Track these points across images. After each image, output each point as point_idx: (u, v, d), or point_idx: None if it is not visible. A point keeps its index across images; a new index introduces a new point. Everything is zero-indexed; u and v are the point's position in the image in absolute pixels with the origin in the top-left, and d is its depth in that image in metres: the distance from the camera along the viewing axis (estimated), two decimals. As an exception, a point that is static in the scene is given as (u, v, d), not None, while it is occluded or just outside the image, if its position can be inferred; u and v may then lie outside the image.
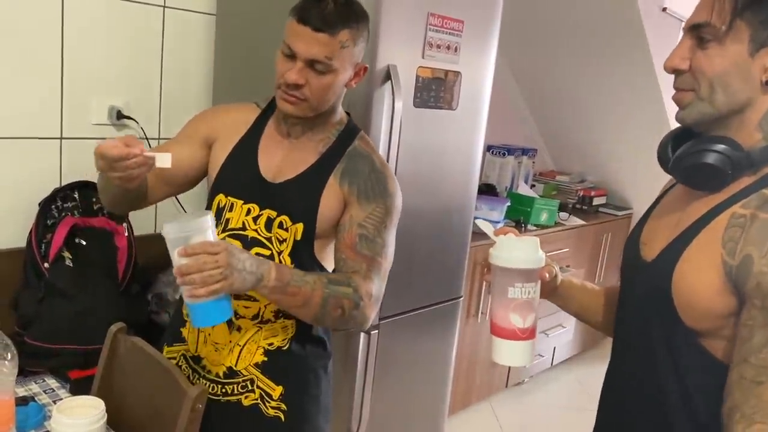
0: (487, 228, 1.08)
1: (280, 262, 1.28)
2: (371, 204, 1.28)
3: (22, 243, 1.82)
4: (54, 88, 1.88)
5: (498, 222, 2.99)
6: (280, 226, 1.29)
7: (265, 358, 1.32)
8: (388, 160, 1.87)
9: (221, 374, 1.32)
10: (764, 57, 0.85)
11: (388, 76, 1.83)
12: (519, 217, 3.25)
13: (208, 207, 1.36)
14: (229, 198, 1.32)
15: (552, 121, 3.88)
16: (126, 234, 1.92)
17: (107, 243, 1.90)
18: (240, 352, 1.32)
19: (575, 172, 4.02)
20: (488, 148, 3.59)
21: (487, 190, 3.32)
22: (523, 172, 3.66)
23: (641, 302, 0.98)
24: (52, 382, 1.54)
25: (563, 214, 3.50)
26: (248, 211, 1.31)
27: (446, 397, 2.45)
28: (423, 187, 2.08)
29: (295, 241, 1.28)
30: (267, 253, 1.28)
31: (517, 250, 1.00)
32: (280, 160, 1.33)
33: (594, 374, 3.54)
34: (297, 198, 1.29)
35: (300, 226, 1.28)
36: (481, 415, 3.17)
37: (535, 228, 3.27)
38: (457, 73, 2.07)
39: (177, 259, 1.09)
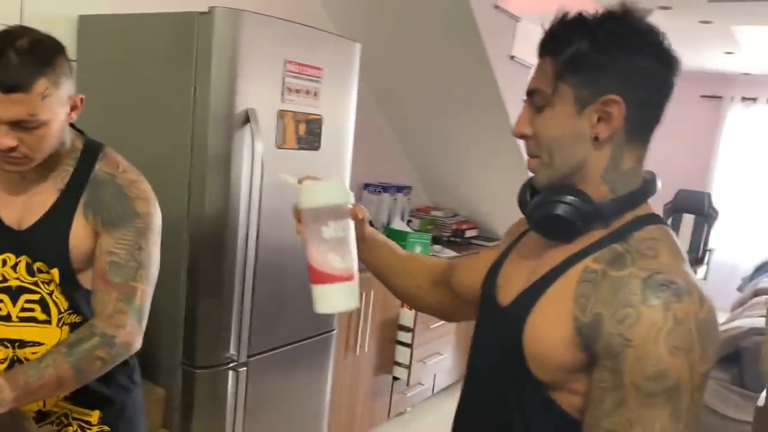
0: (291, 178, 1.05)
1: (54, 301, 1.29)
2: (119, 230, 1.28)
3: None
4: None
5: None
6: (40, 270, 1.28)
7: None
8: (250, 199, 1.94)
9: (34, 419, 1.32)
10: (591, 114, 0.87)
11: (247, 119, 1.92)
12: (394, 251, 3.39)
13: None
14: None
15: (425, 160, 4.10)
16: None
17: None
18: None
19: (448, 208, 4.25)
20: (365, 186, 3.74)
21: (363, 226, 3.45)
22: (399, 208, 3.83)
23: (493, 346, 0.98)
24: None
25: (437, 247, 3.68)
26: (4, 262, 1.28)
27: (323, 428, 2.49)
28: (289, 224, 2.16)
29: (58, 283, 1.29)
30: (37, 297, 1.29)
31: (324, 189, 1.00)
32: (21, 205, 1.29)
33: (473, 399, 3.68)
34: (45, 244, 1.27)
35: (56, 271, 1.28)
36: (364, 447, 3.23)
37: (409, 261, 3.42)
38: (318, 116, 2.19)
39: None
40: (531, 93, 0.91)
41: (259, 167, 1.94)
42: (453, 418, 1.09)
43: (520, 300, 0.93)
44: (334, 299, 1.00)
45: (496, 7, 3.08)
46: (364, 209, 1.12)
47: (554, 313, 0.88)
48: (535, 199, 0.93)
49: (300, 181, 1.04)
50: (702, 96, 6.86)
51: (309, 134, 2.17)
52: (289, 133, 2.08)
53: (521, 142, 0.97)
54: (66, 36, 2.15)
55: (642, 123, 0.90)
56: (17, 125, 1.16)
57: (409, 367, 3.36)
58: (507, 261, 1.04)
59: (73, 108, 1.26)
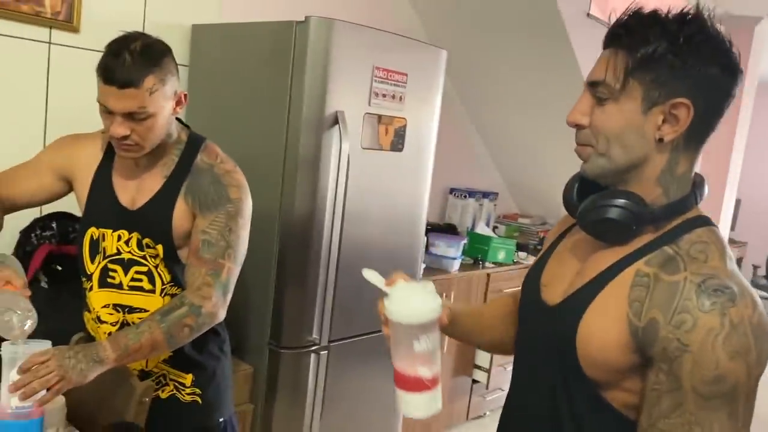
0: (375, 278, 1.03)
1: (159, 274, 1.47)
2: (213, 213, 1.43)
3: (2, 267, 2.00)
4: (37, 133, 2.10)
5: (455, 258, 3.19)
6: (148, 246, 1.46)
7: (171, 354, 1.50)
8: (336, 196, 2.08)
9: (137, 377, 1.49)
10: (657, 115, 0.86)
11: (336, 120, 2.06)
12: (477, 255, 3.45)
13: (82, 239, 1.51)
14: (100, 230, 1.49)
15: (512, 168, 4.12)
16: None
17: (74, 266, 2.08)
18: None
19: (536, 216, 4.24)
20: (451, 191, 3.82)
21: (448, 229, 3.53)
22: (485, 213, 3.88)
23: (543, 345, 0.98)
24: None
25: (522, 254, 3.70)
26: (119, 237, 1.47)
27: (398, 422, 2.59)
28: (371, 219, 2.29)
29: (162, 257, 1.47)
30: (145, 269, 1.47)
31: (417, 302, 0.97)
32: (134, 188, 1.48)
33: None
34: (152, 222, 1.45)
35: (161, 247, 1.45)
36: (440, 445, 3.29)
37: (492, 265, 3.46)
38: (403, 119, 2.30)
39: (13, 376, 1.22)
40: (594, 84, 0.90)
41: (345, 166, 2.07)
42: (500, 417, 1.09)
43: (572, 300, 0.93)
44: (419, 407, 1.00)
45: (588, 15, 3.08)
46: (448, 308, 1.08)
47: (608, 316, 0.88)
48: (588, 202, 0.92)
49: (387, 284, 1.00)
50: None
51: (393, 137, 2.29)
52: (374, 135, 2.21)
53: None
54: (180, 43, 2.39)
55: (702, 129, 0.89)
56: (129, 116, 1.33)
57: (488, 370, 3.39)
58: (551, 260, 1.04)
59: (177, 103, 1.44)
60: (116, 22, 2.18)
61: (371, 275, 1.02)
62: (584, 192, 0.96)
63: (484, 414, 3.63)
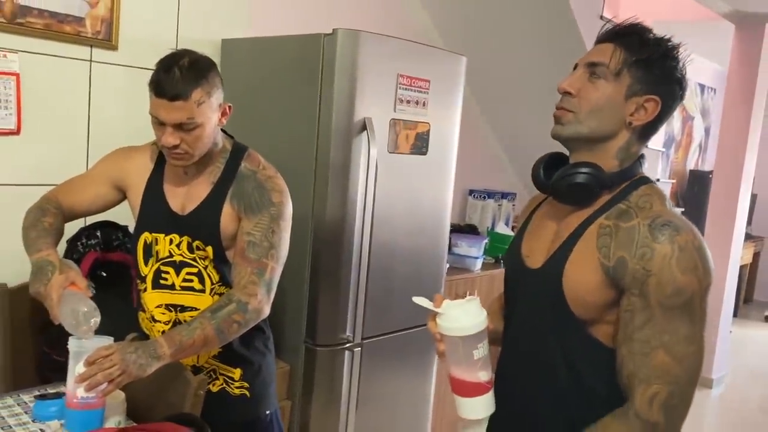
0: (425, 303, 1.12)
1: (208, 274, 1.58)
2: (257, 216, 1.53)
3: (51, 274, 2.12)
4: (80, 146, 2.21)
5: (477, 258, 3.27)
6: (198, 248, 1.57)
7: (220, 350, 1.61)
8: (365, 200, 2.18)
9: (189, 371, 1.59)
10: (633, 103, 1.11)
11: (364, 127, 2.16)
12: (498, 254, 3.53)
13: (136, 244, 1.63)
14: (152, 234, 1.60)
15: (529, 169, 4.20)
16: (140, 266, 2.22)
17: (124, 274, 2.19)
18: None
19: (554, 214, 4.31)
20: (470, 192, 3.91)
21: (469, 229, 3.61)
22: (504, 214, 3.95)
23: (535, 301, 1.17)
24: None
25: (541, 252, 3.77)
26: (171, 241, 1.59)
27: (428, 417, 2.67)
28: (398, 221, 2.38)
29: (211, 258, 1.57)
30: (195, 270, 1.58)
31: (471, 316, 1.08)
32: (183, 194, 1.60)
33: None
34: (202, 226, 1.56)
35: (210, 248, 1.56)
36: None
37: (513, 264, 3.54)
38: (426, 124, 2.39)
39: (79, 369, 1.33)
40: (595, 64, 1.12)
41: (374, 171, 2.17)
42: (496, 372, 1.21)
43: (553, 260, 1.14)
44: (481, 409, 1.11)
45: (601, 17, 3.16)
46: None
47: (584, 265, 1.09)
48: (560, 171, 1.13)
49: (436, 305, 1.11)
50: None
51: (417, 141, 2.38)
52: (400, 139, 2.31)
53: None
54: (211, 57, 2.49)
55: (657, 125, 1.14)
56: (179, 127, 1.45)
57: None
58: (526, 235, 1.26)
59: (223, 114, 1.56)
60: (151, 39, 2.31)
61: (421, 300, 1.12)
62: (549, 172, 1.18)
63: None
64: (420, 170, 2.42)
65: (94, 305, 1.41)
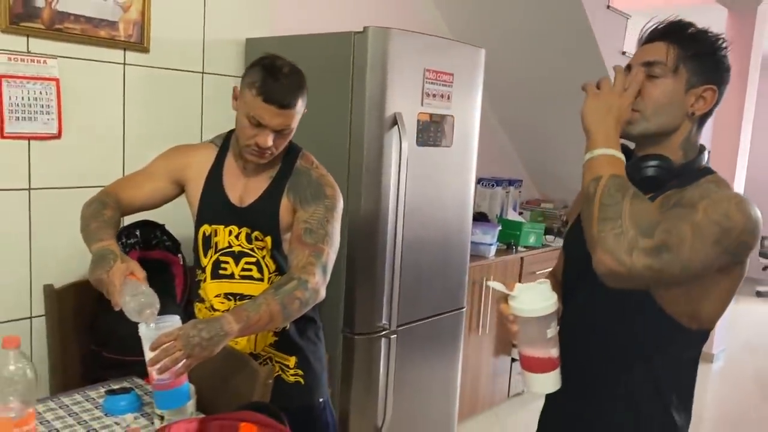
0: (499, 287, 1.18)
1: (266, 264, 1.65)
2: (312, 206, 1.61)
3: (95, 274, 2.16)
4: (117, 145, 2.26)
5: (491, 245, 3.36)
6: (256, 239, 1.64)
7: (276, 338, 1.68)
8: (398, 192, 2.25)
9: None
10: (692, 95, 1.17)
11: (395, 122, 2.22)
12: (509, 240, 3.62)
13: (195, 236, 1.68)
14: (212, 226, 1.67)
15: (533, 156, 4.30)
16: (181, 263, 2.27)
17: (166, 271, 2.25)
18: (255, 339, 1.68)
19: (558, 200, 4.42)
20: (478, 181, 3.99)
21: (479, 217, 3.70)
22: (511, 200, 4.05)
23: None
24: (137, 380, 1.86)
25: (549, 237, 3.88)
26: (230, 232, 1.66)
27: (456, 398, 2.77)
28: (426, 212, 2.45)
29: (269, 248, 1.64)
30: (254, 260, 1.65)
31: (544, 298, 1.14)
32: (242, 188, 1.67)
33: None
34: (262, 217, 1.64)
35: (269, 238, 1.64)
36: (488, 421, 3.48)
37: (524, 249, 3.64)
38: (451, 116, 2.47)
39: (149, 354, 1.36)
40: (652, 63, 1.17)
41: (406, 164, 2.24)
42: (561, 329, 1.30)
43: None
44: (550, 383, 1.19)
45: (608, 7, 3.24)
46: None
47: None
48: (631, 165, 1.18)
49: (509, 288, 1.17)
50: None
51: (444, 133, 2.45)
52: (428, 132, 2.38)
53: None
54: (236, 56, 2.55)
55: (712, 111, 1.21)
56: (278, 132, 1.54)
57: (526, 349, 3.57)
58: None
59: None
60: (180, 41, 2.36)
61: (497, 285, 1.20)
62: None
63: (523, 391, 3.81)
64: (445, 162, 2.50)
65: (153, 292, 1.44)
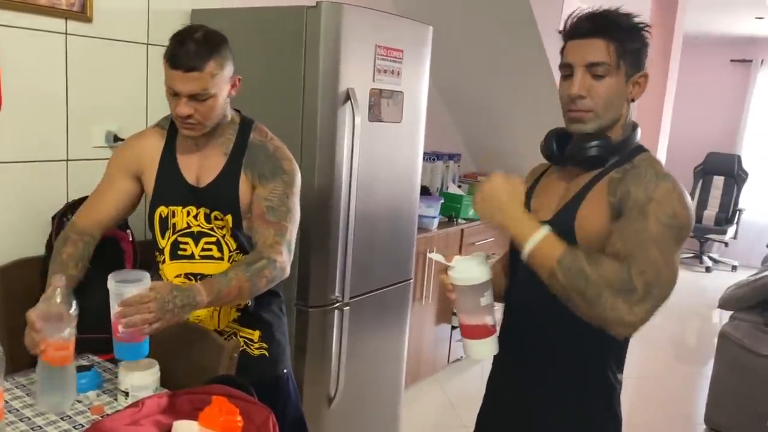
0: (439, 258, 1.32)
1: (226, 243, 1.66)
2: (271, 183, 1.62)
3: (39, 251, 2.10)
4: (60, 118, 2.18)
5: (435, 217, 3.45)
6: (216, 218, 1.65)
7: (239, 314, 1.72)
8: (351, 167, 2.29)
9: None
10: (632, 82, 1.28)
11: (347, 97, 2.25)
12: (450, 212, 3.73)
13: (151, 218, 1.68)
14: (169, 207, 1.67)
15: (472, 130, 4.40)
16: (130, 239, 2.23)
17: (114, 247, 2.20)
18: (219, 316, 1.71)
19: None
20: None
21: (423, 191, 3.78)
22: (451, 174, 4.15)
23: None
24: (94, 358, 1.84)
25: (488, 209, 4.00)
26: (188, 213, 1.66)
27: (403, 366, 2.86)
28: (377, 187, 2.50)
29: (230, 227, 1.65)
30: (213, 239, 1.66)
31: (478, 267, 1.25)
32: (198, 167, 1.67)
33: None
34: (221, 197, 1.64)
35: (229, 217, 1.65)
36: (431, 387, 3.61)
37: (464, 221, 3.75)
38: (400, 92, 2.51)
39: (116, 308, 1.36)
40: (595, 64, 1.24)
41: (358, 139, 2.27)
42: (504, 306, 1.40)
43: (565, 209, 1.29)
44: (486, 350, 1.29)
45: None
46: None
47: (594, 207, 1.25)
48: (574, 145, 1.29)
49: (447, 259, 1.29)
50: (732, 60, 7.03)
51: (393, 108, 2.49)
52: (379, 108, 2.41)
53: (559, 110, 1.32)
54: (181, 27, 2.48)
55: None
56: (193, 98, 1.52)
57: (465, 317, 3.71)
58: (535, 194, 1.41)
59: (233, 86, 1.62)
60: (124, 11, 2.29)
61: (437, 257, 1.33)
62: (560, 146, 1.34)
63: (461, 357, 3.96)
64: (395, 137, 2.54)
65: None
